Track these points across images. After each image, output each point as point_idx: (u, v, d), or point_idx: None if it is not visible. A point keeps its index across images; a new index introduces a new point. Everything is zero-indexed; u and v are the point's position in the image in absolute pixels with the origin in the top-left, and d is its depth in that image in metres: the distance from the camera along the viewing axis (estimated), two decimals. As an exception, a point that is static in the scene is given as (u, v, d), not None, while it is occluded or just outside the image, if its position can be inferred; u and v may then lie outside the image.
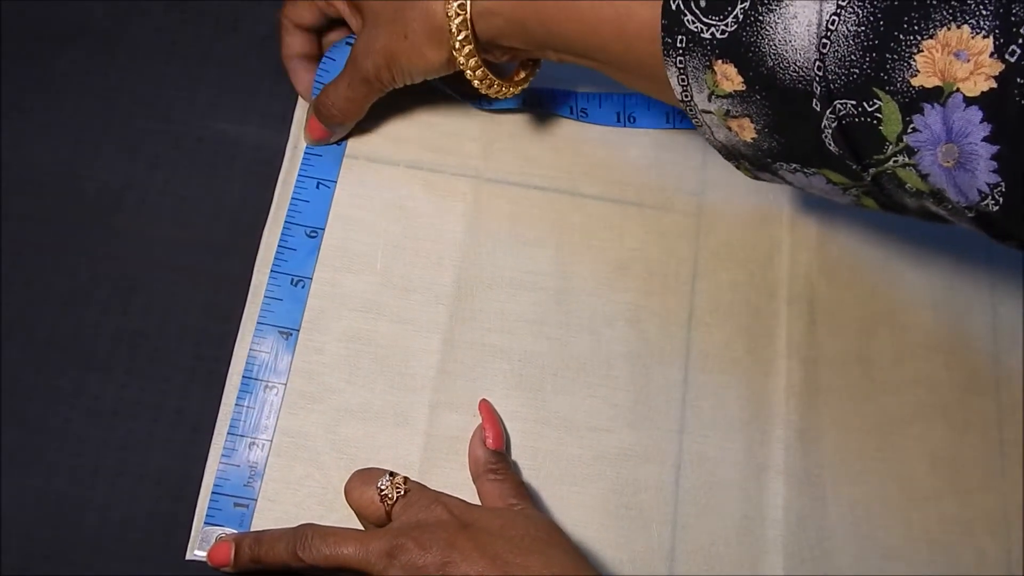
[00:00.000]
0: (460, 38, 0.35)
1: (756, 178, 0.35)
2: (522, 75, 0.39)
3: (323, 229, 0.40)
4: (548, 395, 0.39)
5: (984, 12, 0.24)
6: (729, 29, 0.29)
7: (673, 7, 0.30)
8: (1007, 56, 0.24)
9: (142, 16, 0.44)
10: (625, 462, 0.38)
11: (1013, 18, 0.24)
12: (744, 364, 0.40)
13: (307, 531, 0.32)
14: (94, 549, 0.35)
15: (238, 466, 0.36)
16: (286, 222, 0.40)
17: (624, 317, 0.41)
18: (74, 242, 0.40)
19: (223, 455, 0.36)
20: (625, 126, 0.44)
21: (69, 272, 0.39)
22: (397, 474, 0.34)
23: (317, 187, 0.41)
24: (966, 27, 0.25)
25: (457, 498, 0.33)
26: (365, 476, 0.35)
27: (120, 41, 0.43)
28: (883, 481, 0.39)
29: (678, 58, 0.30)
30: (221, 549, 0.34)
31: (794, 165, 0.31)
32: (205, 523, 0.35)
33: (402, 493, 0.33)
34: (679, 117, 0.44)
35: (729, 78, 0.29)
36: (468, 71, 0.36)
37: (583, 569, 0.31)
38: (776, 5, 0.28)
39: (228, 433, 0.37)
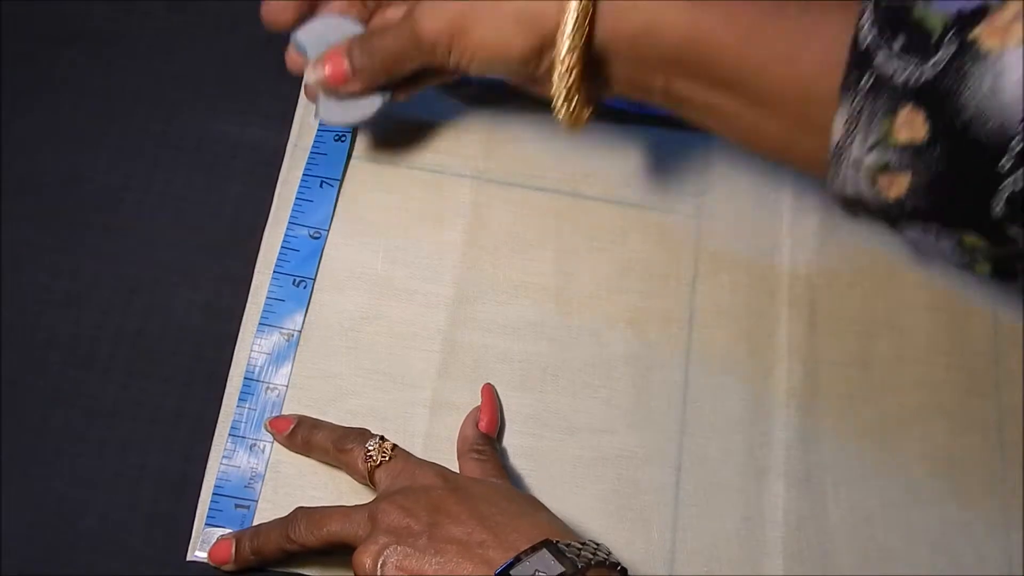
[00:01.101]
0: (570, 31, 0.30)
1: (855, 218, 0.32)
2: (589, 110, 0.35)
3: (327, 230, 0.40)
4: (549, 397, 0.39)
5: None
6: (927, 75, 0.27)
7: (863, 44, 0.28)
8: None
9: (142, 17, 0.44)
10: (626, 463, 0.38)
11: None
12: (745, 366, 0.40)
13: (296, 514, 0.33)
14: (94, 550, 0.35)
15: (239, 467, 0.36)
16: (289, 222, 0.40)
17: (625, 319, 0.41)
18: (74, 243, 0.39)
19: (224, 456, 0.36)
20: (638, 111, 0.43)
21: (69, 273, 0.39)
22: (387, 440, 0.35)
23: (321, 186, 0.41)
24: None
25: (441, 466, 0.34)
26: (360, 435, 0.35)
27: (120, 42, 0.43)
28: (883, 483, 0.39)
29: (856, 98, 0.28)
30: (222, 547, 0.34)
31: (932, 224, 0.30)
32: (206, 524, 0.35)
33: (387, 458, 0.34)
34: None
35: (913, 126, 0.28)
36: (561, 69, 0.31)
37: (570, 533, 0.31)
38: (984, 57, 0.27)
39: (229, 435, 0.36)
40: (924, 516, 0.39)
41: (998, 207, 0.28)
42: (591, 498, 0.38)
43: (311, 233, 0.40)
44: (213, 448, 0.36)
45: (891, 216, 0.31)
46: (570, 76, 0.32)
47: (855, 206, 0.32)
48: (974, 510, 0.39)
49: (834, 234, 0.43)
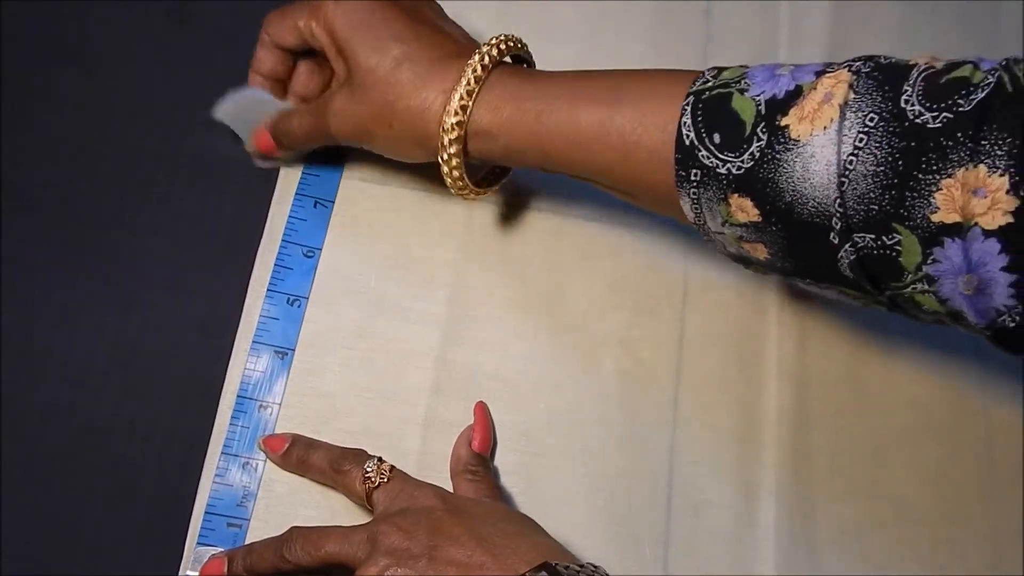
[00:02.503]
0: (451, 152, 0.35)
1: (764, 274, 0.35)
2: (492, 186, 0.39)
3: (320, 249, 0.40)
4: (541, 415, 0.39)
5: (999, 152, 0.26)
6: (745, 165, 0.29)
7: (687, 142, 0.30)
8: (1022, 192, 0.25)
9: (141, 35, 0.44)
10: (617, 482, 0.38)
11: None
12: (735, 385, 0.41)
13: (292, 533, 0.33)
14: (86, 568, 0.35)
15: (231, 486, 0.36)
16: (283, 241, 0.40)
17: (616, 338, 0.41)
18: (70, 259, 0.40)
19: (216, 475, 0.36)
20: None
21: (65, 289, 0.39)
22: (385, 461, 0.35)
23: (315, 206, 0.41)
24: (983, 167, 0.26)
25: (440, 487, 0.34)
26: (357, 456, 0.35)
27: (118, 60, 0.43)
28: (874, 502, 0.39)
29: (691, 190, 0.31)
30: (214, 566, 0.34)
31: (808, 280, 0.32)
32: (198, 543, 0.35)
33: (385, 480, 0.34)
34: None
35: (745, 210, 0.30)
36: (448, 178, 0.36)
37: (568, 555, 0.32)
38: (793, 144, 0.28)
39: (222, 453, 0.36)
40: (914, 534, 0.39)
41: (845, 272, 0.29)
42: (583, 516, 0.38)
43: (305, 252, 0.40)
44: (205, 466, 0.36)
45: (774, 269, 0.33)
46: (457, 179, 0.36)
47: (746, 262, 0.34)
48: (964, 528, 0.39)
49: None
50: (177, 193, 0.41)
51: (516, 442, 0.38)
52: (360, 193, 0.42)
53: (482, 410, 0.38)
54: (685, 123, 0.30)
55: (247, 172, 0.42)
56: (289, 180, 0.42)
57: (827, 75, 0.29)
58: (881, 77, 0.28)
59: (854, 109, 0.28)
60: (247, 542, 0.35)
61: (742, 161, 0.29)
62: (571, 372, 0.40)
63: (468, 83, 0.34)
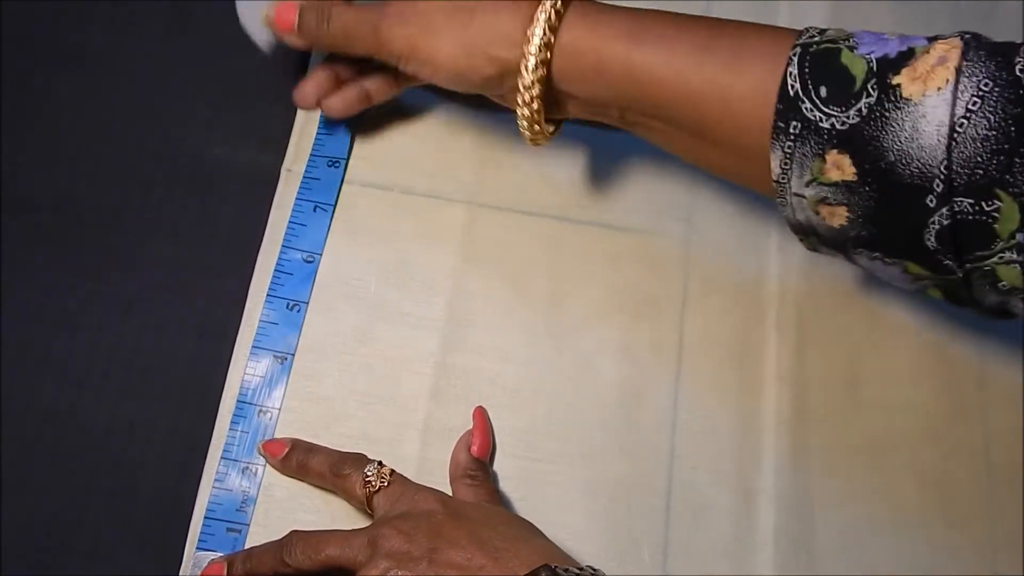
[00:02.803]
0: (532, 65, 0.32)
1: (814, 251, 0.34)
2: (551, 129, 0.37)
3: (320, 254, 0.41)
4: (540, 420, 0.39)
5: None
6: (851, 121, 0.29)
7: (792, 92, 0.30)
8: None
9: (140, 41, 0.44)
10: (616, 486, 0.38)
11: None
12: (734, 389, 0.41)
13: (292, 537, 0.33)
14: (86, 572, 0.35)
15: (231, 491, 0.36)
16: (283, 246, 0.40)
17: (615, 342, 0.41)
18: (70, 263, 0.40)
19: (216, 480, 0.36)
20: None
21: (64, 293, 0.39)
22: (385, 465, 0.35)
23: (315, 210, 0.41)
24: None
25: (440, 491, 0.34)
26: (357, 460, 0.35)
27: (118, 65, 0.43)
28: (872, 506, 0.39)
29: (787, 143, 0.30)
30: (213, 569, 0.34)
31: (876, 254, 0.31)
32: (197, 548, 0.35)
33: (385, 484, 0.34)
34: None
35: (841, 168, 0.29)
36: (523, 119, 0.34)
37: (568, 559, 0.32)
38: (904, 103, 0.28)
39: (221, 458, 0.37)
40: (912, 539, 0.39)
41: (930, 240, 0.29)
42: (582, 521, 0.38)
43: (305, 257, 0.40)
44: (205, 471, 0.36)
45: (839, 242, 0.32)
46: (531, 105, 0.34)
47: (807, 233, 0.33)
48: (962, 532, 0.39)
49: (821, 258, 0.44)
50: (177, 196, 0.41)
51: (515, 447, 0.39)
52: (360, 198, 0.42)
53: (481, 415, 0.38)
54: (791, 73, 0.30)
55: (248, 176, 0.42)
56: (290, 184, 0.42)
57: (940, 41, 0.29)
58: (992, 48, 0.28)
59: (968, 74, 0.28)
60: (246, 547, 0.35)
61: (847, 116, 0.29)
62: (570, 377, 0.40)
63: (547, 19, 0.32)
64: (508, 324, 0.41)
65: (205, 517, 0.36)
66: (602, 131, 0.45)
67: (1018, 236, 0.27)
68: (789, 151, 0.30)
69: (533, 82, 0.33)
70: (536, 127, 0.35)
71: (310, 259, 0.40)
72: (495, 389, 0.39)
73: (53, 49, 0.43)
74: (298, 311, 0.39)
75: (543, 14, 0.32)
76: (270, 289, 0.39)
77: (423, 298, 0.41)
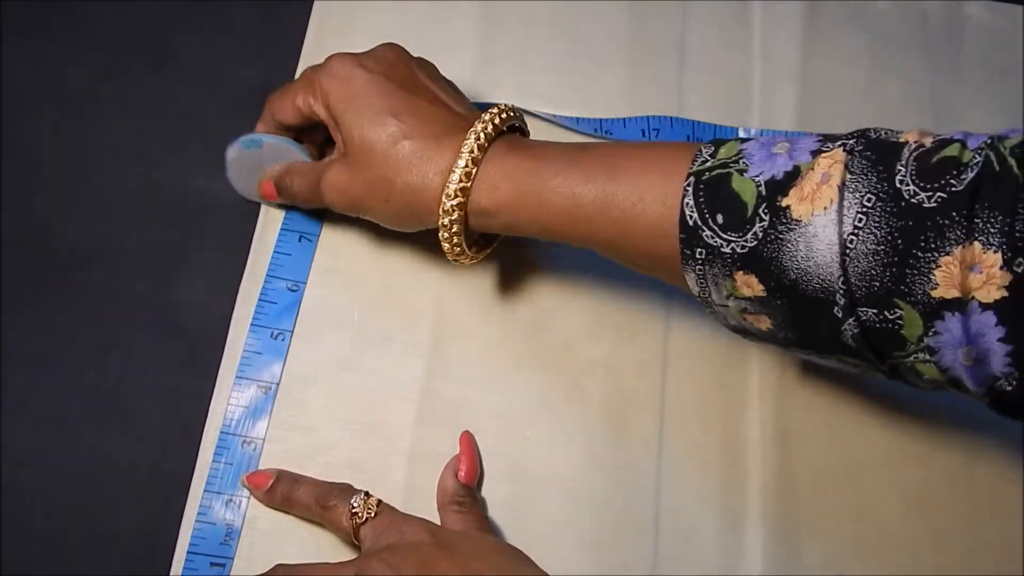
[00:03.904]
0: (452, 231, 0.35)
1: (766, 344, 0.35)
2: (486, 249, 0.39)
3: (304, 283, 0.40)
4: (526, 444, 0.39)
5: (992, 230, 0.27)
6: (749, 244, 0.30)
7: (690, 223, 0.31)
8: (1015, 268, 0.26)
9: (122, 76, 0.44)
10: (605, 510, 0.38)
11: (1017, 235, 0.26)
12: (718, 411, 0.41)
13: (277, 571, 0.32)
14: (65, 613, 0.34)
15: (214, 524, 0.36)
16: (267, 275, 0.40)
17: (601, 365, 0.41)
18: (49, 299, 0.39)
19: (199, 513, 0.36)
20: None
21: (44, 330, 0.39)
22: (372, 495, 0.34)
23: (299, 240, 0.41)
24: (977, 244, 0.27)
25: (428, 520, 0.34)
26: (343, 491, 0.35)
27: (99, 100, 0.43)
28: (857, 525, 0.40)
29: (697, 266, 0.31)
30: None
31: (809, 351, 0.32)
32: (180, 584, 0.34)
33: (372, 515, 0.34)
34: (654, 134, 0.45)
35: (750, 286, 0.31)
36: (450, 252, 0.36)
37: None
38: (795, 224, 0.29)
39: (204, 490, 0.36)
40: (898, 557, 0.39)
41: (848, 342, 0.30)
42: (570, 547, 0.37)
43: (289, 286, 0.40)
44: (188, 504, 0.36)
45: (775, 341, 0.33)
46: (456, 251, 0.36)
47: (744, 333, 0.34)
48: (946, 551, 0.39)
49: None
50: (157, 232, 0.41)
51: (502, 472, 0.38)
52: (343, 225, 0.42)
53: (468, 440, 0.38)
54: (688, 203, 0.31)
55: (228, 209, 0.42)
56: (272, 215, 0.42)
57: (823, 155, 0.30)
58: (875, 157, 0.29)
59: (851, 189, 0.29)
60: (231, 581, 0.35)
61: (746, 240, 0.30)
62: (556, 400, 0.40)
63: (466, 164, 0.34)
64: (493, 348, 0.41)
65: (188, 551, 0.35)
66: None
67: (926, 340, 0.28)
68: (701, 273, 0.32)
69: (452, 208, 0.34)
70: (457, 248, 0.36)
71: (294, 288, 0.40)
72: (481, 414, 0.39)
73: (35, 85, 0.43)
74: (282, 340, 0.39)
75: (462, 160, 0.34)
76: (254, 318, 0.39)
77: (407, 325, 0.40)
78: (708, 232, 0.30)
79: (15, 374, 0.38)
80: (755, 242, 0.30)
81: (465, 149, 0.34)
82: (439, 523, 0.36)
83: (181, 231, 0.41)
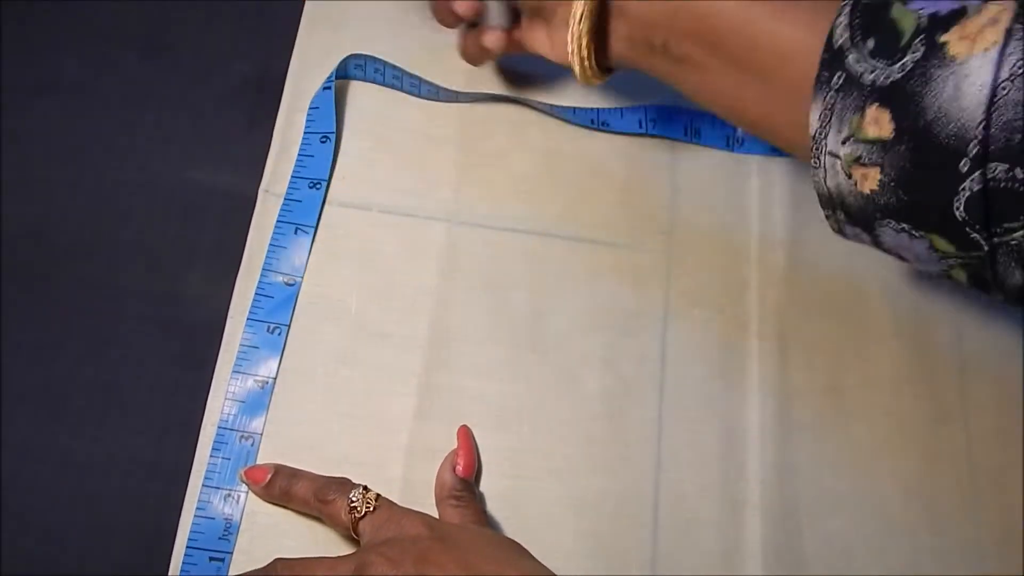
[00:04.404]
0: (583, 29, 0.36)
1: (839, 232, 0.34)
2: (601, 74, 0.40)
3: (301, 277, 0.40)
4: (525, 437, 0.39)
5: None
6: (895, 76, 0.28)
7: (836, 44, 0.30)
8: None
9: (114, 67, 0.44)
10: (603, 502, 0.38)
11: None
12: (718, 401, 0.41)
13: (276, 565, 0.32)
14: (64, 609, 0.34)
15: (213, 519, 0.36)
16: (264, 269, 0.40)
17: (599, 357, 0.41)
18: (45, 294, 0.39)
19: (198, 508, 0.36)
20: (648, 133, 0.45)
21: (41, 324, 0.39)
22: (370, 489, 0.34)
23: (295, 232, 0.41)
24: None
25: (427, 514, 0.34)
26: (341, 485, 0.35)
27: (92, 92, 0.43)
28: (858, 514, 0.40)
29: (828, 94, 0.30)
30: None
31: (904, 225, 0.31)
32: (179, 578, 0.34)
33: (371, 509, 0.33)
34: (651, 124, 0.45)
35: (879, 124, 0.29)
36: (576, 35, 0.36)
37: None
38: (950, 62, 0.28)
39: (203, 485, 0.36)
40: (898, 545, 0.39)
41: (959, 210, 0.29)
42: (570, 539, 0.37)
43: (285, 280, 0.40)
44: (186, 499, 0.36)
45: (867, 214, 0.31)
46: (582, 40, 0.36)
47: (835, 206, 0.33)
48: (947, 538, 0.40)
49: (801, 267, 0.44)
50: (154, 224, 0.41)
51: (500, 466, 0.38)
52: (340, 218, 0.42)
53: (466, 434, 0.38)
54: (840, 23, 0.30)
55: (225, 201, 0.42)
56: (267, 206, 0.42)
57: (994, 1, 0.28)
58: None
59: (1018, 37, 0.27)
60: (229, 575, 0.35)
61: (893, 71, 0.28)
62: (554, 393, 0.40)
63: None
64: (491, 341, 0.40)
65: (187, 546, 0.35)
66: (583, 146, 0.45)
67: None
68: (830, 103, 0.30)
69: (585, 10, 0.35)
70: (585, 63, 0.37)
71: (291, 282, 0.40)
72: (479, 407, 0.39)
73: (27, 78, 0.43)
74: (279, 334, 0.39)
75: None
76: (251, 313, 0.39)
77: (404, 317, 0.40)
78: (855, 55, 0.29)
79: (12, 368, 0.38)
80: (901, 74, 0.28)
81: None
82: (437, 517, 0.35)
83: (177, 224, 0.41)
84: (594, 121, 0.45)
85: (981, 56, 0.27)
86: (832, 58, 0.30)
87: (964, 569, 0.39)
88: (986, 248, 0.29)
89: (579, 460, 0.39)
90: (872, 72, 0.29)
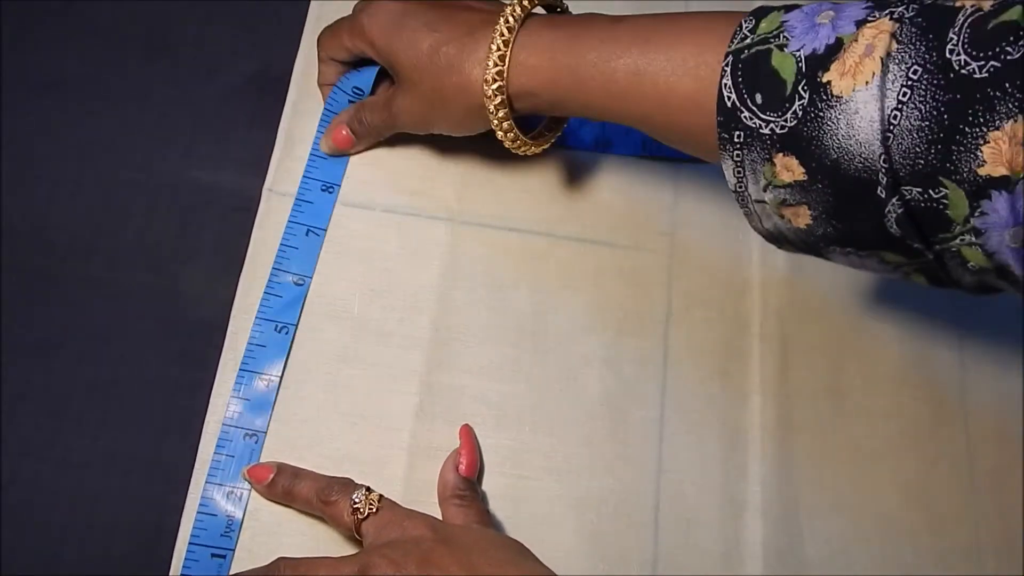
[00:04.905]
0: (499, 116, 0.36)
1: (795, 252, 0.35)
2: (547, 135, 0.40)
3: (310, 277, 0.40)
4: (526, 437, 0.39)
5: None
6: (789, 124, 0.29)
7: (728, 104, 0.30)
8: None
9: (116, 66, 0.44)
10: (604, 502, 0.38)
11: None
12: (719, 402, 0.41)
13: (279, 564, 0.32)
14: (67, 606, 0.34)
15: (216, 516, 0.36)
16: (274, 268, 0.40)
17: (600, 357, 0.41)
18: (47, 292, 0.39)
19: (200, 504, 0.36)
20: (603, 151, 0.45)
21: (42, 323, 0.39)
22: (373, 491, 0.34)
23: (307, 234, 0.41)
24: None
25: (429, 515, 0.34)
26: (344, 485, 0.35)
27: (94, 91, 0.43)
28: (858, 515, 0.40)
29: (735, 152, 0.31)
30: None
31: (848, 249, 0.31)
32: (181, 574, 0.34)
33: (374, 510, 0.34)
34: (654, 146, 0.45)
35: (790, 169, 0.30)
36: (504, 140, 0.38)
37: None
38: (836, 101, 0.28)
39: (206, 482, 0.36)
40: (898, 547, 0.39)
41: (892, 228, 0.29)
42: (571, 538, 0.38)
43: (295, 280, 0.40)
44: (189, 496, 0.36)
45: (811, 243, 0.32)
46: (510, 135, 0.37)
47: (778, 240, 0.33)
48: (947, 540, 0.40)
49: (803, 268, 0.44)
50: (156, 223, 0.41)
51: (502, 465, 0.38)
52: (343, 217, 0.42)
53: (468, 433, 0.38)
54: (726, 84, 0.30)
55: (227, 199, 0.42)
56: (271, 205, 0.42)
57: (868, 24, 0.28)
58: (925, 24, 0.28)
59: (897, 61, 0.27)
60: (231, 573, 0.35)
61: (785, 120, 0.29)
62: (556, 393, 0.40)
63: (499, 48, 0.35)
64: (492, 341, 0.41)
65: (189, 543, 0.35)
66: (584, 147, 0.45)
67: (972, 220, 0.27)
68: (739, 159, 0.31)
69: (494, 93, 0.35)
70: (511, 135, 0.37)
71: (300, 282, 0.40)
72: (481, 407, 0.39)
73: (29, 77, 0.43)
74: (286, 333, 0.39)
75: (494, 44, 0.35)
76: (259, 311, 0.39)
77: (407, 316, 0.40)
78: (747, 113, 0.30)
79: (15, 366, 0.38)
80: (795, 121, 0.29)
81: (496, 34, 0.35)
82: (440, 516, 0.36)
83: (179, 222, 0.41)
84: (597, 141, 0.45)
85: (864, 90, 0.28)
86: (727, 118, 0.30)
87: (964, 570, 0.39)
88: (931, 255, 0.29)
89: (580, 460, 0.39)
90: (767, 125, 0.29)
